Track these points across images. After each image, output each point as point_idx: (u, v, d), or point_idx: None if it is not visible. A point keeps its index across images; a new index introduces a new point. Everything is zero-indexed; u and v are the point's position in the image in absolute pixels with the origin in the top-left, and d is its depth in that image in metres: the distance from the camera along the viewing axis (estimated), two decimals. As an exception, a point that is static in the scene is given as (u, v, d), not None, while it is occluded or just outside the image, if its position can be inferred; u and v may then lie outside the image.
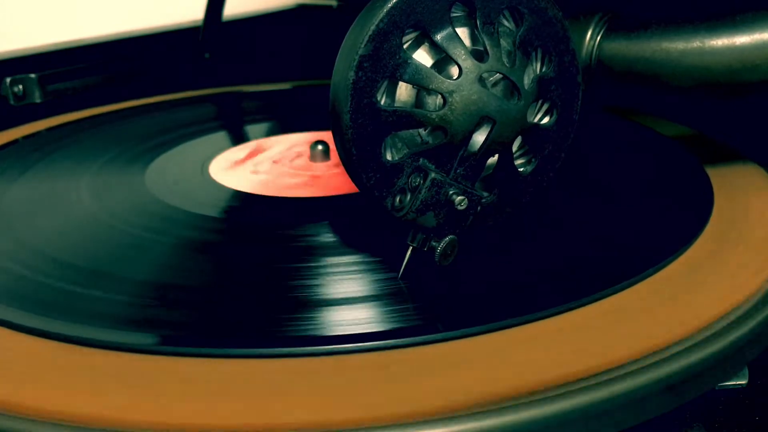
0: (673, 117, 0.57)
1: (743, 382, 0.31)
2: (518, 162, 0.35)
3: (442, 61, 0.33)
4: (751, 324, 0.31)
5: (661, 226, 0.39)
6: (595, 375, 0.27)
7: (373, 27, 0.31)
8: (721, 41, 0.36)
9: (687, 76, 0.37)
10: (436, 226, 0.32)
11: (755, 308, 0.32)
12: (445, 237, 0.32)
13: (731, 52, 0.36)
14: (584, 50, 0.40)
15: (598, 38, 0.40)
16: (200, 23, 0.73)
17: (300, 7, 0.85)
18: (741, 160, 0.47)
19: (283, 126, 0.59)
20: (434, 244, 0.32)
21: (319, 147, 0.50)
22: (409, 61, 0.32)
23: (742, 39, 0.35)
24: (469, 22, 0.33)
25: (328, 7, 0.82)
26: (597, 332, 0.30)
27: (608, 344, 0.29)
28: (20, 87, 0.62)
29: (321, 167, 0.49)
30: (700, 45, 0.36)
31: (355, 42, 0.31)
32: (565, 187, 0.43)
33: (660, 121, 0.56)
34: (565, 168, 0.37)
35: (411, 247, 0.33)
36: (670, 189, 0.44)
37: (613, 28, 0.40)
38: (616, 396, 0.26)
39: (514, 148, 0.35)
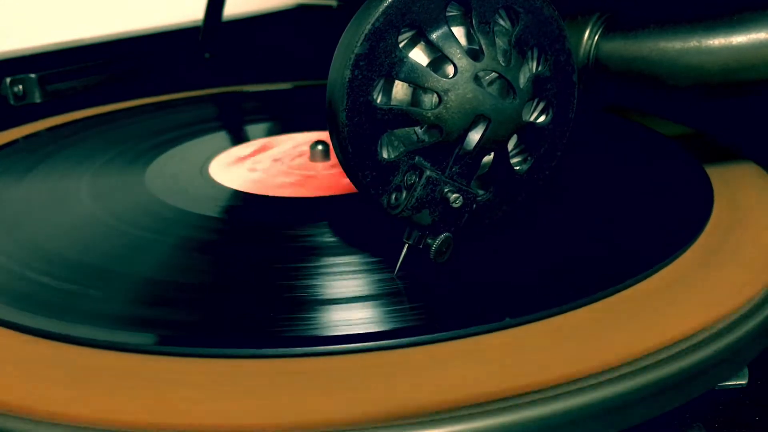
0: (672, 117, 0.57)
1: (743, 382, 0.31)
2: (514, 160, 0.35)
3: (438, 59, 0.33)
4: (752, 324, 0.31)
5: (661, 226, 0.39)
6: (595, 375, 0.27)
7: (368, 26, 0.31)
8: (718, 41, 0.36)
9: (684, 75, 0.37)
10: (432, 224, 0.32)
11: (755, 308, 0.31)
12: (440, 235, 0.32)
13: (728, 51, 0.36)
14: (582, 50, 0.40)
15: (596, 38, 0.40)
16: (200, 23, 0.73)
17: (300, 7, 0.85)
18: (741, 160, 0.47)
19: (283, 126, 0.59)
20: (429, 241, 0.32)
21: (319, 147, 0.50)
22: (404, 60, 0.32)
23: (739, 39, 0.36)
24: (465, 21, 0.33)
25: (328, 7, 0.82)
26: (596, 333, 0.30)
27: (608, 345, 0.29)
28: (20, 87, 0.62)
29: (320, 167, 0.49)
30: (697, 44, 0.36)
31: (351, 41, 0.31)
32: (563, 187, 0.43)
33: (660, 121, 0.56)
34: (563, 168, 0.37)
35: (406, 245, 0.33)
36: (669, 189, 0.44)
37: (611, 28, 0.40)
38: (617, 396, 0.26)
39: (510, 146, 0.35)
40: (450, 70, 0.32)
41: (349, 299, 0.32)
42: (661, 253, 0.35)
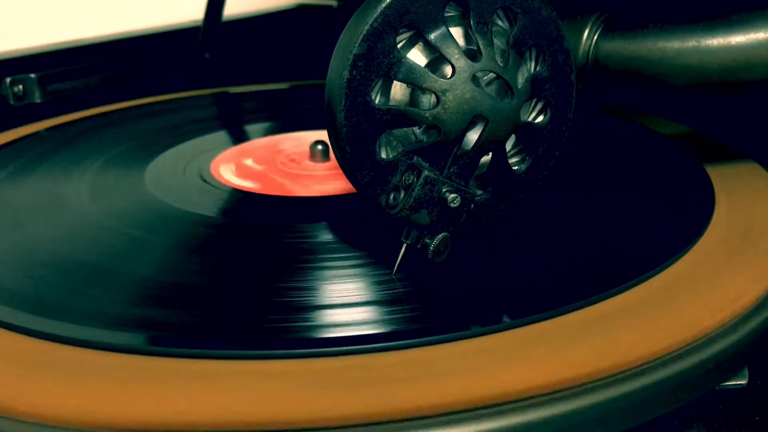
0: (672, 116, 0.57)
1: (743, 382, 0.31)
2: (512, 160, 0.35)
3: (436, 60, 0.33)
4: (752, 324, 0.31)
5: (662, 226, 0.39)
6: (597, 377, 0.27)
7: (367, 26, 0.31)
8: (716, 40, 0.36)
9: (683, 75, 0.37)
10: (430, 224, 0.32)
11: (756, 308, 0.32)
12: (438, 234, 0.33)
13: (727, 51, 0.36)
14: (581, 50, 0.40)
15: (595, 38, 0.40)
16: (200, 23, 0.73)
17: (300, 7, 0.85)
18: (741, 160, 0.47)
19: (282, 126, 0.59)
20: (427, 241, 0.33)
21: (319, 147, 0.50)
22: (402, 60, 0.32)
23: (738, 38, 0.36)
24: (463, 21, 0.33)
25: (328, 7, 0.82)
26: (596, 334, 0.30)
27: (608, 346, 0.29)
28: (20, 87, 0.62)
29: (320, 167, 0.49)
30: (696, 44, 0.36)
31: (350, 41, 0.31)
32: (563, 187, 0.42)
33: (659, 121, 0.56)
34: (564, 168, 0.37)
35: (405, 245, 0.33)
36: (670, 189, 0.44)
37: (610, 28, 0.40)
38: (617, 397, 0.26)
39: (508, 146, 0.35)
40: (448, 70, 0.32)
41: (346, 300, 0.32)
42: (662, 254, 0.35)
